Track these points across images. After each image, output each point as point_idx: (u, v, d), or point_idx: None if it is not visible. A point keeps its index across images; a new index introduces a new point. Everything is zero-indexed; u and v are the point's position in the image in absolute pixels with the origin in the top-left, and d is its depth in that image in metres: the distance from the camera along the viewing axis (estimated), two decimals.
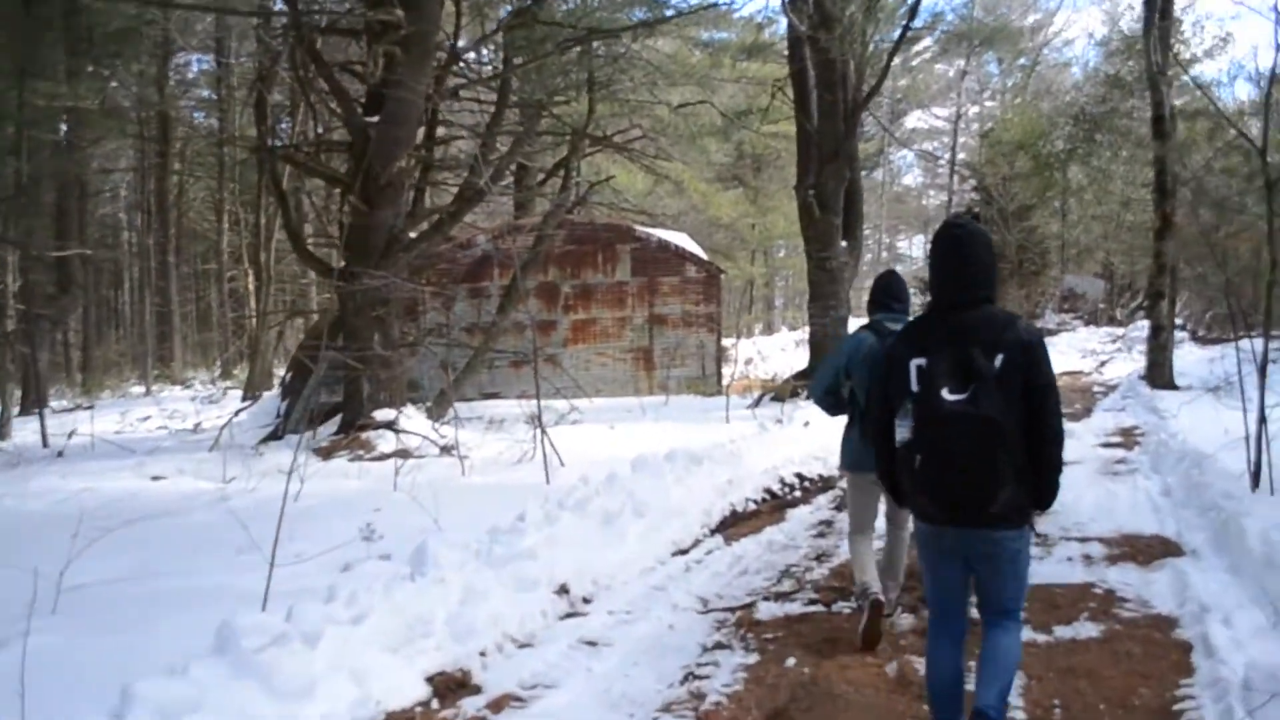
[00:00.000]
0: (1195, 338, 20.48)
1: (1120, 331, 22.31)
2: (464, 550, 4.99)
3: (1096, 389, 16.31)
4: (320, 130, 13.59)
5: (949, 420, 2.74)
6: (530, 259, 14.49)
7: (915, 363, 2.86)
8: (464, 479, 9.15)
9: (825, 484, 8.90)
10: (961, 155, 38.60)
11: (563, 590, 5.16)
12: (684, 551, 6.35)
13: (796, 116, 15.37)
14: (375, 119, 11.50)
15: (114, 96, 23.36)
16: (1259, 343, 6.93)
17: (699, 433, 11.05)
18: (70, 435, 12.64)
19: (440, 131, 14.63)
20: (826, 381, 4.64)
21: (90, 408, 16.52)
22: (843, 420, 4.73)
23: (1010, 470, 2.72)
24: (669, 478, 7.72)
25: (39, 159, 16.75)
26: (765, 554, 6.26)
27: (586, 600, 5.21)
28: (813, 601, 5.09)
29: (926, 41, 44.07)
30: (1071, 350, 21.67)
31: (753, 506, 7.97)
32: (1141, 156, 25.67)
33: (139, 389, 24.58)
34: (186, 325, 34.89)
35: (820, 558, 6.11)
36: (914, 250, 49.69)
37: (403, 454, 10.55)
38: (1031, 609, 4.36)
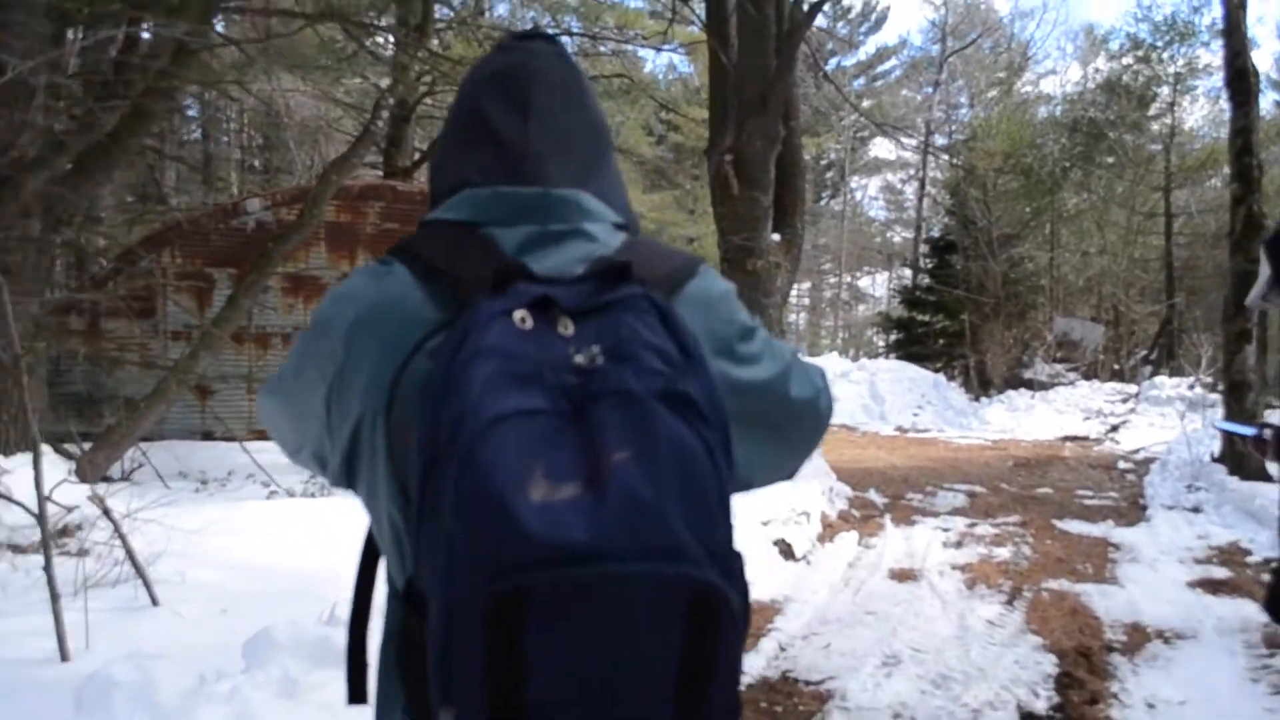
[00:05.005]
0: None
1: (1132, 389, 17.41)
2: None
3: (1124, 466, 11.33)
4: None
5: None
6: (297, 230, 9.40)
7: None
8: None
9: None
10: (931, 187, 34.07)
11: None
12: None
13: (708, 45, 10.29)
14: None
15: None
16: None
17: None
18: None
19: None
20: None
21: None
22: None
23: None
24: None
25: None
26: None
27: None
28: None
29: (893, 61, 40.16)
30: (1072, 409, 16.71)
31: None
32: (1150, 180, 21.10)
33: None
34: None
35: None
36: (876, 290, 44.87)
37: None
38: None
